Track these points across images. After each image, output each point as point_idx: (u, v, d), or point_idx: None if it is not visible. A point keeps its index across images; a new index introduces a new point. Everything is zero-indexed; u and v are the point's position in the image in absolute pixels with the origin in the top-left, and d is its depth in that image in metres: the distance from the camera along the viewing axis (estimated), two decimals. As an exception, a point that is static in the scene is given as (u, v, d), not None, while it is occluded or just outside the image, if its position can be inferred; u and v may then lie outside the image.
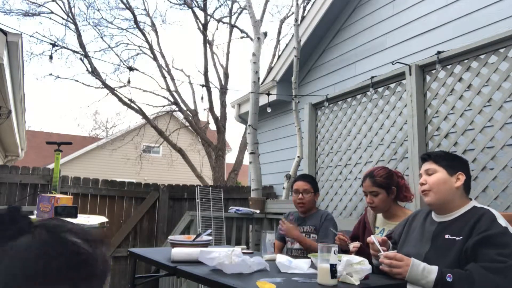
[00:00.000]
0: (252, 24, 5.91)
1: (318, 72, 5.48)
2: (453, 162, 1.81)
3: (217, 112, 11.91)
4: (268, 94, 5.49)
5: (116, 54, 12.98)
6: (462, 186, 1.77)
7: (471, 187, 1.85)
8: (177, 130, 12.80)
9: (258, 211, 4.79)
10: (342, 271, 1.65)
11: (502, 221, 1.62)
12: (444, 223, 1.76)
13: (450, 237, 1.68)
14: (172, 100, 11.91)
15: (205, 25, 12.20)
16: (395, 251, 1.77)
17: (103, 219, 2.99)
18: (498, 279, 1.48)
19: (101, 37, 13.82)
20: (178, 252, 2.03)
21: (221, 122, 11.81)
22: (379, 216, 2.41)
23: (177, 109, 12.12)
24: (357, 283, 1.61)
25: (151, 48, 12.14)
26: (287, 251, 2.92)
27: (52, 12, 11.73)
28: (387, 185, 2.30)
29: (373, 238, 1.82)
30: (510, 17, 3.18)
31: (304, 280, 1.68)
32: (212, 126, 12.78)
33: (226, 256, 1.78)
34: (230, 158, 16.49)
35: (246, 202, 5.34)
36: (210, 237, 2.50)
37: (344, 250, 2.27)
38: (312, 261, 2.00)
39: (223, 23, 12.67)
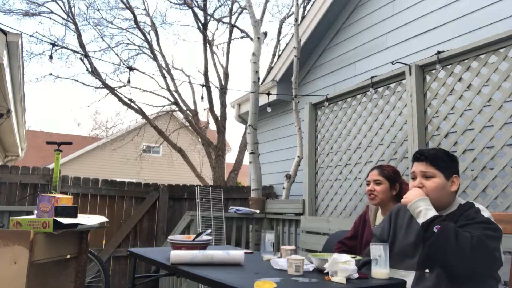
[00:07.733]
0: (252, 24, 5.91)
1: (318, 72, 5.48)
2: (449, 164, 1.78)
3: (217, 112, 11.90)
4: (268, 94, 5.49)
5: (116, 54, 12.98)
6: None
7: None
8: (177, 130, 12.78)
9: (258, 211, 4.79)
10: (328, 269, 1.66)
11: (486, 213, 1.69)
12: None
13: None
14: (172, 100, 11.90)
15: (205, 25, 12.19)
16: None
17: (103, 218, 2.98)
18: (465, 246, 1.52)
19: (101, 37, 13.77)
20: (177, 255, 2.03)
21: (221, 122, 11.80)
22: (379, 215, 2.43)
23: (177, 109, 12.10)
24: (342, 281, 1.59)
25: (151, 48, 12.12)
26: None
27: (52, 12, 11.72)
28: (392, 179, 2.37)
29: None
30: (510, 17, 3.18)
31: (304, 280, 1.68)
32: (212, 126, 12.77)
33: None
34: (230, 158, 16.51)
35: (246, 202, 5.34)
36: (210, 237, 2.49)
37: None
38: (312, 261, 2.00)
39: (223, 23, 12.65)
